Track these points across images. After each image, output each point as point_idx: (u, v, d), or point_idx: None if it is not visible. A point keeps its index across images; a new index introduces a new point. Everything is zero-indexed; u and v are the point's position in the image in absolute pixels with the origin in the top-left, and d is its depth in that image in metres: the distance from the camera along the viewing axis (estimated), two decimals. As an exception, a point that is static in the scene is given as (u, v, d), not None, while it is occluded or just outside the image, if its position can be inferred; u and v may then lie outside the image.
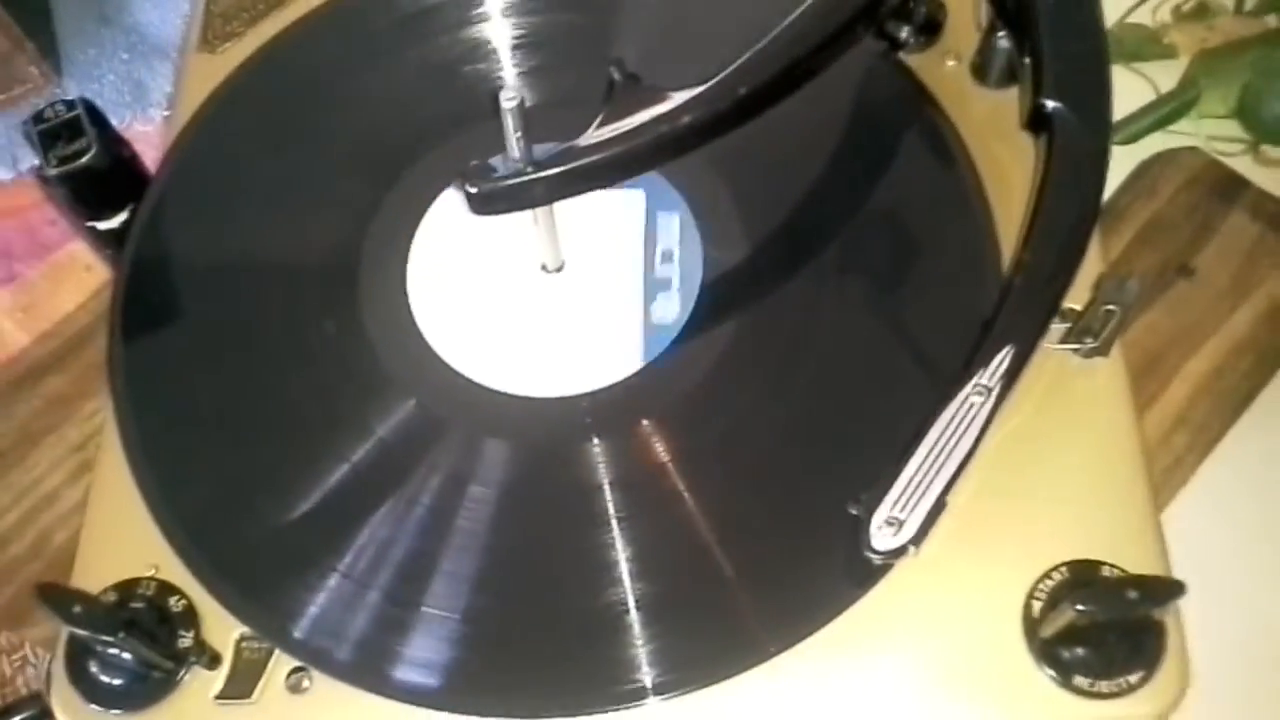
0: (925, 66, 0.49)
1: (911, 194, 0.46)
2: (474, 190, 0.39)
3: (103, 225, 0.52)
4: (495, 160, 0.39)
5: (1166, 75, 0.58)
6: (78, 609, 0.37)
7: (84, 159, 0.49)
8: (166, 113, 0.61)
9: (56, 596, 0.38)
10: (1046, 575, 0.40)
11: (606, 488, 0.42)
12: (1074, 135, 0.40)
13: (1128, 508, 0.41)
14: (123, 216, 0.52)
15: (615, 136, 0.39)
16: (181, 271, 0.47)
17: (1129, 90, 0.58)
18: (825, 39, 0.41)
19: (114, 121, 0.60)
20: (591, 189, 0.40)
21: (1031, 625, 0.39)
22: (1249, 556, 0.46)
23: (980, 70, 0.49)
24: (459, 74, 0.50)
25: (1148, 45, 0.58)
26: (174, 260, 0.47)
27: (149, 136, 0.61)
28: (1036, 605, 0.39)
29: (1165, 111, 0.55)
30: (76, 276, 0.58)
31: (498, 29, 0.51)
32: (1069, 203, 0.40)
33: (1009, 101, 0.48)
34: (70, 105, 0.50)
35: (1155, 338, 0.46)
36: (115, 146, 0.50)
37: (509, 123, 0.38)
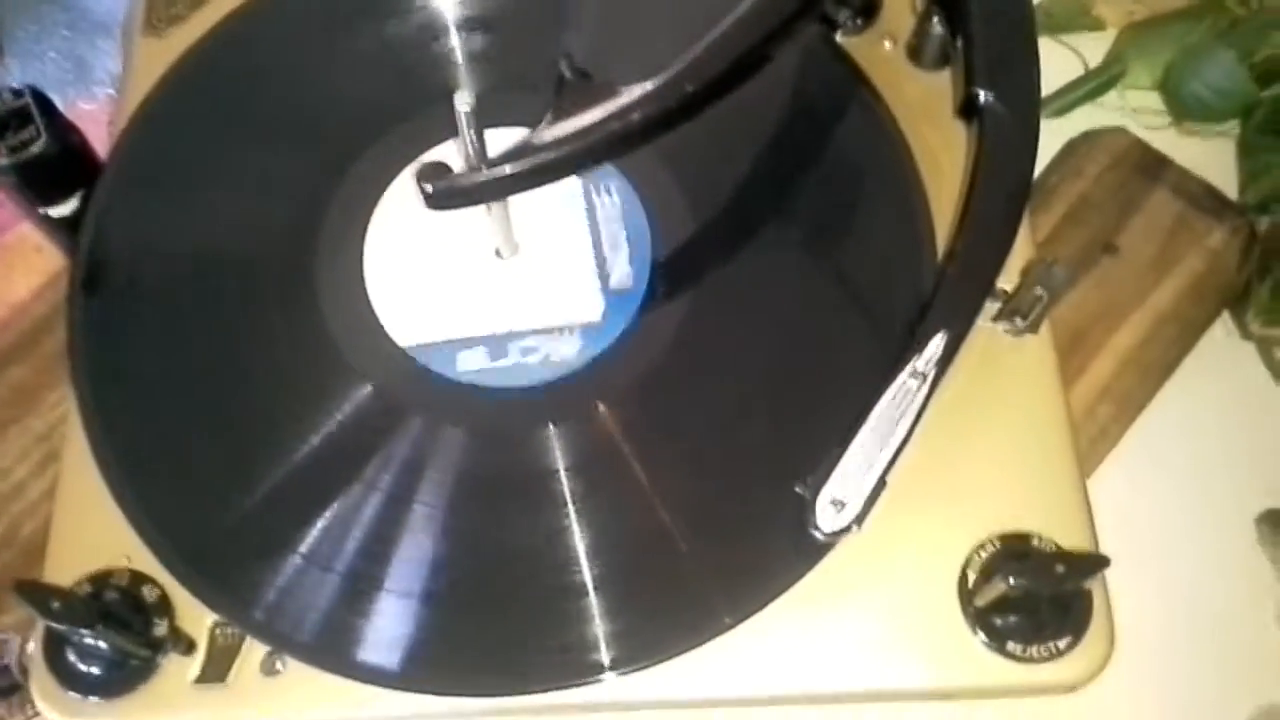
0: (862, 48, 0.51)
1: (848, 176, 0.48)
2: (430, 189, 0.40)
3: (54, 212, 0.52)
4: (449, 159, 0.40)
5: (1094, 48, 0.60)
6: (55, 605, 0.39)
7: (34, 147, 0.49)
8: (110, 91, 0.60)
9: (34, 593, 0.39)
10: (980, 547, 0.42)
11: (562, 471, 0.43)
12: (1003, 126, 0.42)
13: (1056, 480, 0.44)
14: (74, 203, 0.52)
15: (567, 135, 0.40)
16: (136, 261, 0.48)
17: (1057, 63, 0.59)
18: (773, 30, 0.42)
19: (57, 99, 0.60)
20: (544, 184, 0.41)
21: (967, 595, 0.42)
22: (1171, 519, 0.49)
23: (916, 52, 0.50)
24: (409, 55, 0.51)
25: (1077, 18, 0.60)
26: (128, 250, 0.48)
27: (93, 114, 0.60)
28: (971, 576, 0.42)
29: (1092, 85, 0.57)
30: (27, 259, 0.58)
31: (448, 9, 0.52)
32: (998, 193, 0.42)
33: (943, 83, 0.49)
34: (18, 94, 0.50)
35: (1081, 313, 0.48)
36: (64, 133, 0.51)
37: (463, 126, 0.39)
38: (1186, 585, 0.48)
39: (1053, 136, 0.56)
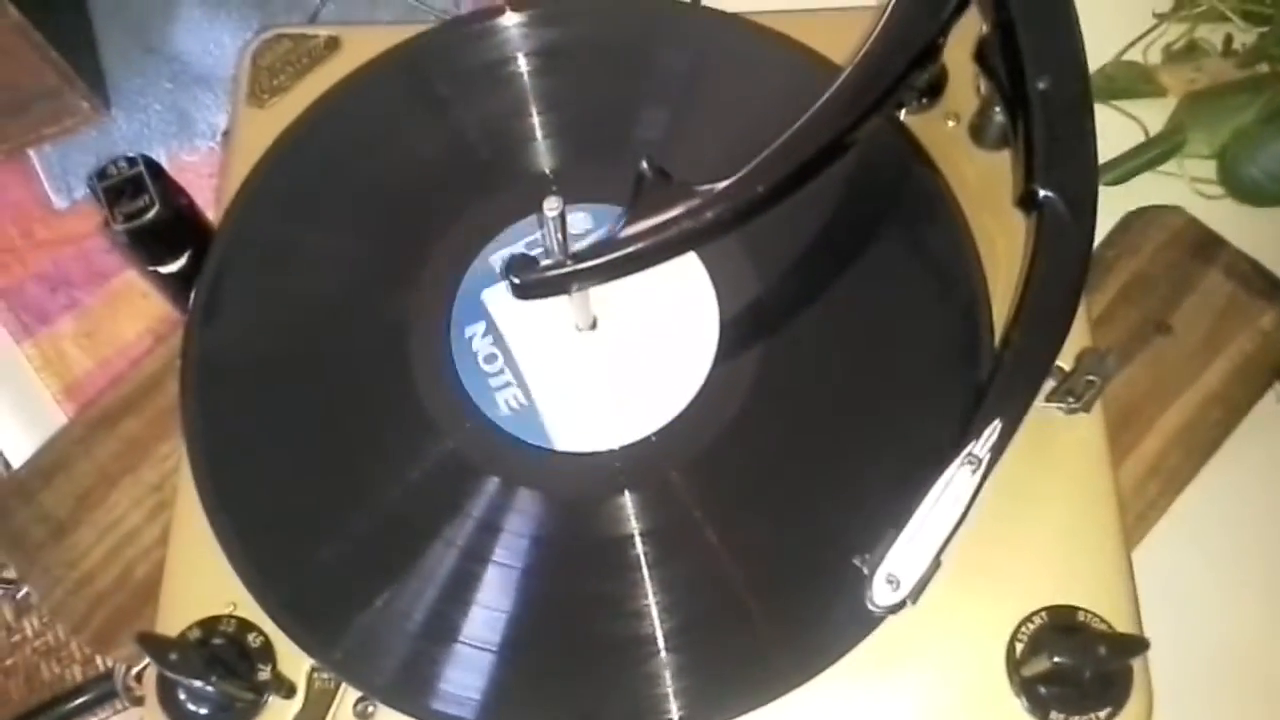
0: (925, 126, 0.53)
1: (909, 257, 0.50)
2: (518, 281, 0.43)
3: (164, 270, 0.56)
4: (536, 252, 0.43)
5: (1154, 114, 0.61)
6: (172, 656, 0.42)
7: (148, 215, 0.53)
8: (212, 144, 0.64)
9: (154, 645, 0.43)
10: (1028, 619, 0.45)
11: (637, 537, 0.46)
12: (1062, 224, 0.44)
13: (1103, 556, 0.46)
14: (182, 261, 0.56)
15: (645, 230, 0.43)
16: (245, 326, 0.51)
17: (1118, 130, 0.61)
18: (840, 132, 0.45)
19: (161, 152, 0.65)
20: (623, 276, 0.44)
21: (1014, 664, 0.44)
22: (1213, 587, 0.51)
23: (978, 132, 0.53)
24: (500, 129, 0.54)
25: (1139, 84, 0.62)
26: (238, 315, 0.52)
27: (195, 167, 0.64)
28: (1019, 646, 0.44)
29: (1153, 155, 0.59)
30: (134, 303, 0.62)
31: (538, 84, 0.55)
32: (1055, 289, 0.44)
33: (1004, 163, 0.52)
34: (132, 162, 0.53)
35: (1134, 391, 0.50)
36: (174, 198, 0.54)
37: (550, 229, 0.42)
38: (1227, 653, 0.50)
39: (1112, 201, 0.58)
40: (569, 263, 0.43)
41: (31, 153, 0.64)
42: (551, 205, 0.41)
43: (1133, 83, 0.62)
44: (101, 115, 0.64)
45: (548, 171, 0.53)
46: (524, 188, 0.52)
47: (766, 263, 0.51)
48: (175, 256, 0.55)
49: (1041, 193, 0.45)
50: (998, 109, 0.50)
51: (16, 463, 0.59)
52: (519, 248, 0.51)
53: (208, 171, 0.64)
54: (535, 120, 0.54)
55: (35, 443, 0.59)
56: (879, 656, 0.45)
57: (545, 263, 0.43)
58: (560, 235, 0.42)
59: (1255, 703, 0.50)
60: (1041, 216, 0.45)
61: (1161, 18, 0.64)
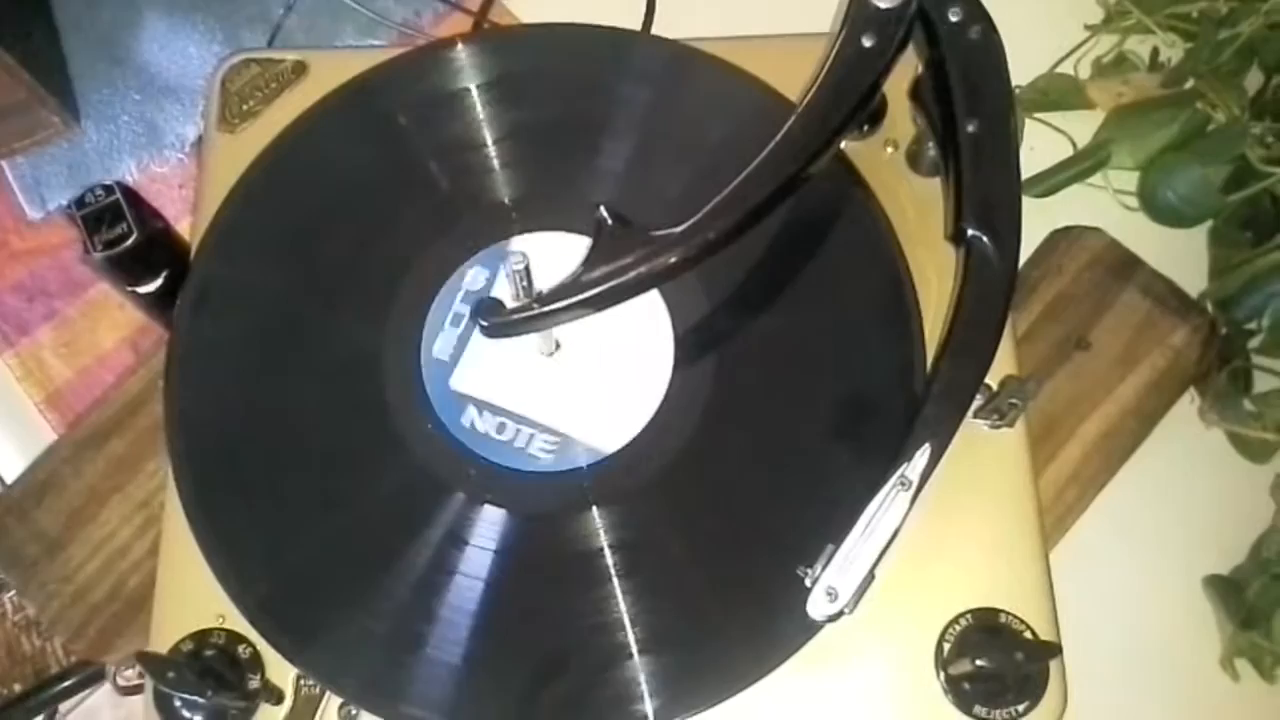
0: (864, 152, 0.56)
1: (849, 279, 0.54)
2: (486, 324, 0.46)
3: (142, 290, 0.58)
4: (503, 296, 0.47)
5: (1083, 127, 0.65)
6: (171, 674, 0.46)
7: (127, 242, 0.55)
8: (181, 155, 0.66)
9: (153, 665, 0.46)
10: (955, 620, 0.49)
11: (606, 550, 0.50)
12: (987, 259, 0.48)
13: (1024, 562, 0.50)
14: (159, 281, 0.58)
15: (604, 274, 0.46)
16: (224, 349, 0.54)
17: (1047, 143, 0.65)
18: (791, 175, 0.48)
19: (131, 163, 0.67)
20: (584, 317, 0.47)
21: (942, 663, 0.49)
22: (1126, 583, 0.56)
23: (915, 160, 0.56)
24: (457, 159, 0.57)
25: (1069, 97, 0.65)
26: (217, 339, 0.54)
27: (165, 178, 0.66)
28: (946, 646, 0.49)
29: (1080, 169, 0.62)
30: (112, 314, 0.64)
31: (502, 116, 0.57)
32: (980, 320, 0.48)
33: (938, 190, 0.55)
34: (109, 190, 0.56)
35: (1055, 403, 0.54)
36: (150, 221, 0.57)
37: (515, 279, 0.45)
38: (1139, 642, 0.55)
39: (1039, 212, 0.62)
40: (535, 306, 0.46)
41: (3, 164, 0.66)
42: (517, 260, 0.44)
43: (1063, 95, 0.65)
44: (72, 128, 0.66)
45: (506, 201, 0.56)
46: (481, 218, 0.55)
47: (716, 284, 0.54)
48: (153, 277, 0.58)
49: (969, 231, 0.49)
50: (930, 146, 0.54)
51: (3, 470, 0.62)
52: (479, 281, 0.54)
53: (177, 183, 0.66)
54: (491, 150, 0.56)
55: (20, 453, 0.61)
56: (822, 655, 0.49)
57: (512, 305, 0.46)
58: (526, 282, 0.45)
59: (1165, 687, 0.55)
60: (969, 252, 0.49)
61: (1093, 29, 0.67)
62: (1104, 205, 0.63)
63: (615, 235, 0.47)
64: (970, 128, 0.49)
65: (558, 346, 0.53)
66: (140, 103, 0.67)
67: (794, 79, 0.53)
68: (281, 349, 0.54)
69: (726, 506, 0.52)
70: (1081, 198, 0.63)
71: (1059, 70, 0.66)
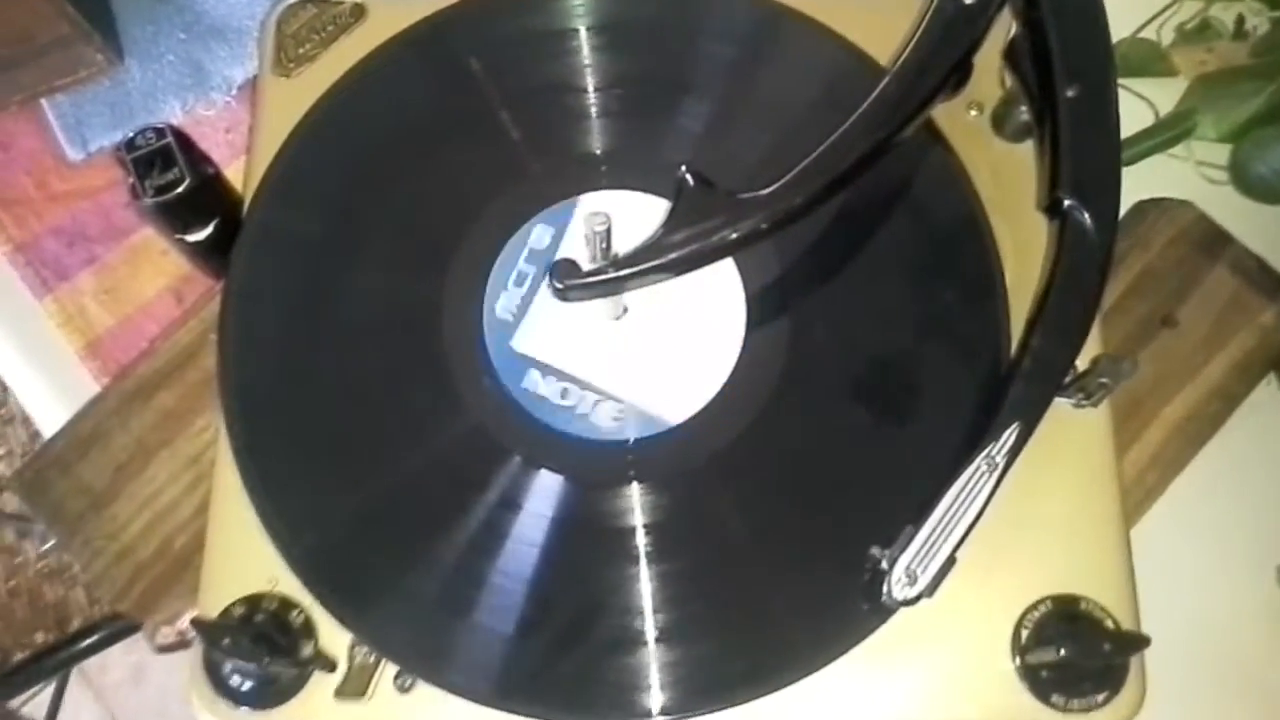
0: (946, 115, 0.53)
1: (931, 249, 0.52)
2: (561, 285, 0.44)
3: (191, 238, 0.56)
4: (579, 257, 0.44)
5: (1166, 95, 0.62)
6: (226, 641, 0.44)
7: (179, 189, 0.53)
8: (228, 98, 0.64)
9: (209, 631, 0.45)
10: (1034, 606, 0.47)
11: (666, 524, 0.48)
12: (1085, 237, 0.46)
13: (1106, 547, 0.48)
14: (209, 230, 0.56)
15: (685, 238, 0.44)
16: (280, 300, 0.52)
17: (1128, 110, 0.62)
18: (880, 140, 0.46)
19: (176, 105, 0.64)
20: (661, 280, 0.45)
21: (1020, 649, 0.47)
22: (1201, 567, 0.54)
23: (1000, 123, 0.53)
24: (541, 101, 0.54)
25: (1152, 63, 0.62)
26: (272, 290, 0.52)
27: (212, 121, 0.64)
28: (1024, 633, 0.47)
29: (1163, 139, 0.60)
30: (155, 261, 0.62)
31: (579, 66, 0.55)
32: (1075, 300, 0.46)
33: (1023, 153, 0.53)
34: (160, 133, 0.53)
35: (1139, 383, 0.52)
36: (202, 167, 0.54)
37: (594, 242, 0.43)
38: (1216, 630, 0.54)
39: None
40: (611, 269, 0.44)
41: (44, 103, 0.64)
42: (599, 220, 0.42)
43: (1145, 62, 0.63)
44: (115, 66, 0.63)
45: (578, 156, 0.53)
46: (549, 173, 0.53)
47: (790, 250, 0.52)
48: (202, 225, 0.56)
49: (1066, 201, 0.47)
50: (1023, 107, 0.51)
51: (42, 419, 0.60)
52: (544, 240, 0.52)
53: (224, 126, 0.63)
54: (566, 101, 0.54)
55: (59, 401, 0.59)
56: (892, 641, 0.47)
57: (588, 268, 0.44)
58: (605, 244, 0.43)
59: (1236, 676, 0.54)
60: (1064, 224, 0.47)
61: (1176, -6, 0.65)
62: (1185, 176, 0.60)
63: (698, 197, 0.44)
64: (1069, 92, 0.47)
65: (625, 311, 0.51)
66: (186, 42, 0.64)
67: (883, 42, 0.51)
68: (339, 302, 0.52)
69: (795, 483, 0.50)
70: (1163, 168, 0.61)
71: (1141, 35, 0.64)
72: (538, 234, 0.52)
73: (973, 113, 0.54)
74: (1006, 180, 0.52)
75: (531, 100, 0.54)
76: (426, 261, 0.52)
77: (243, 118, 0.63)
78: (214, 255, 0.57)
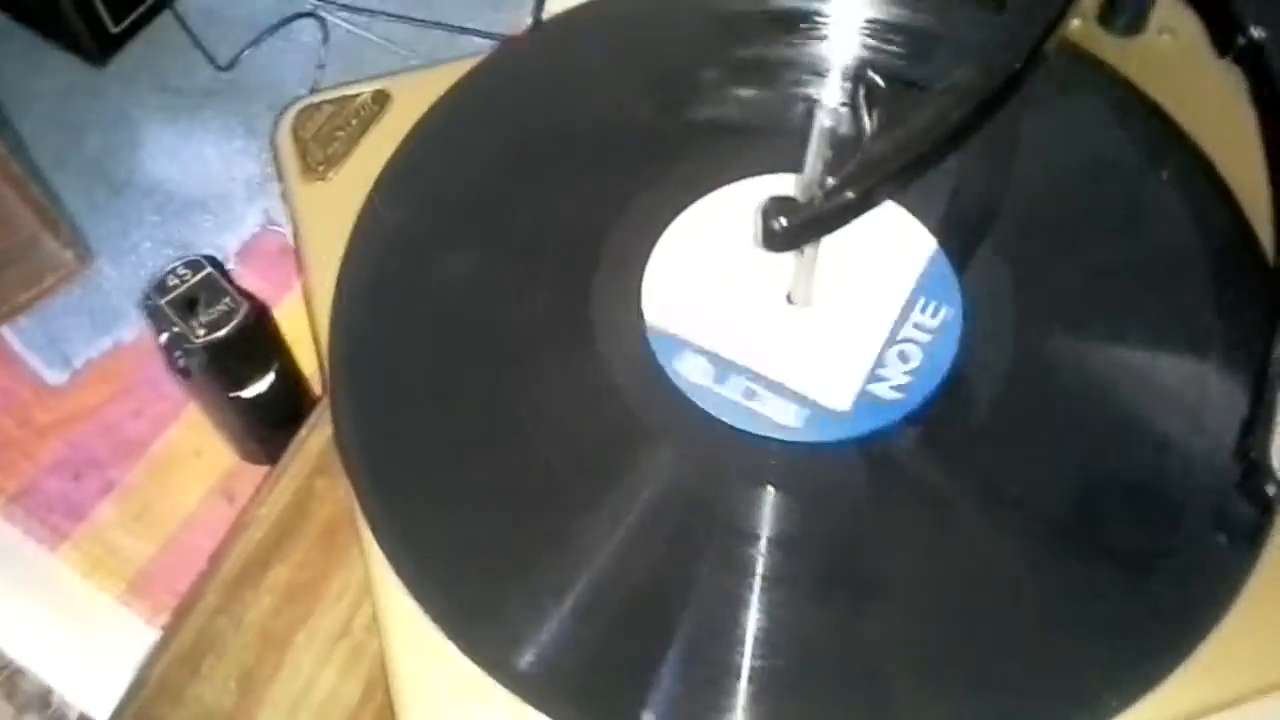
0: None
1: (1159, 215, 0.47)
2: (784, 223, 0.36)
3: (249, 393, 0.46)
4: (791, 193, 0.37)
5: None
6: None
7: (236, 319, 0.43)
8: (231, 267, 0.55)
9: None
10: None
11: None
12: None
13: None
14: (270, 378, 0.46)
15: (899, 143, 0.37)
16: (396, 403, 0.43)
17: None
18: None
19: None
20: (882, 201, 0.38)
21: None
22: None
23: (1107, 17, 0.50)
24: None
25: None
26: (384, 397, 0.43)
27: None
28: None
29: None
30: (186, 466, 0.51)
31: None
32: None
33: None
34: (195, 266, 0.44)
35: None
36: (252, 300, 0.45)
37: (817, 145, 0.35)
38: None
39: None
40: (835, 193, 0.36)
41: (4, 331, 0.53)
42: (827, 115, 0.34)
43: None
44: (86, 265, 0.54)
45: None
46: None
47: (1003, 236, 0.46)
48: (262, 373, 0.46)
49: (1257, 33, 0.42)
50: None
51: (95, 709, 0.47)
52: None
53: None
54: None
55: (113, 668, 0.46)
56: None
57: (804, 198, 0.36)
58: (827, 160, 0.36)
59: None
60: (1264, 62, 0.42)
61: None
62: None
63: (889, 97, 0.38)
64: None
65: (808, 295, 0.43)
66: (161, 224, 0.55)
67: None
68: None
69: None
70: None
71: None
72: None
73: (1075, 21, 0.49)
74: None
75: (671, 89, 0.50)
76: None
77: (251, 282, 0.53)
78: (270, 418, 0.48)
